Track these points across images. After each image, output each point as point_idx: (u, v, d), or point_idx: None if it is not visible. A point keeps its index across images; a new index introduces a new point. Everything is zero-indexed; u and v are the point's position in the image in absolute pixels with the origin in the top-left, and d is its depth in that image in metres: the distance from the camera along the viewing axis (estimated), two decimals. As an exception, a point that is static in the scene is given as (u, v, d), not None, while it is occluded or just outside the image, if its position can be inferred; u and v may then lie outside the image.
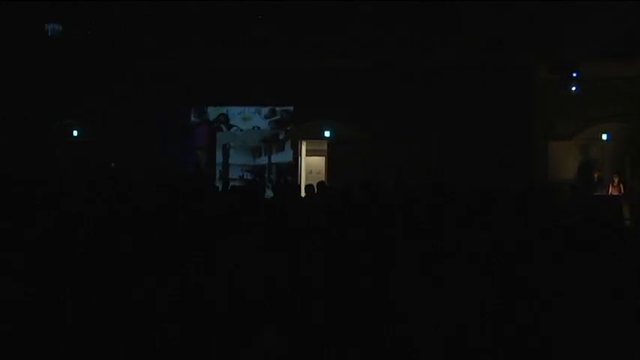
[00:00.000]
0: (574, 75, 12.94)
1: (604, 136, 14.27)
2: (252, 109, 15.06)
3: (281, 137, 15.15)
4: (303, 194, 10.66)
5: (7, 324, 3.61)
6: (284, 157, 15.19)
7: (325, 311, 3.92)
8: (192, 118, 15.26)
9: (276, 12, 11.36)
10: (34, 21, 11.57)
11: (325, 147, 15.31)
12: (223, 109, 15.17)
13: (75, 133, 15.02)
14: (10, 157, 13.37)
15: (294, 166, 15.17)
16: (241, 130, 15.16)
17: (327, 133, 14.77)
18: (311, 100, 14.10)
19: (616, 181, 13.19)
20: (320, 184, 10.82)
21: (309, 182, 11.23)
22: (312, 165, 15.80)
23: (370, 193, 9.27)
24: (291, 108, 14.79)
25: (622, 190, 13.13)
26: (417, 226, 5.73)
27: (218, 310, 3.87)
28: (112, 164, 14.00)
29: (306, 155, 15.59)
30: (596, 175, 13.60)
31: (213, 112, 15.24)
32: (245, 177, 15.08)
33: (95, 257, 4.50)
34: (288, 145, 15.22)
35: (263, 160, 15.26)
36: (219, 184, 12.78)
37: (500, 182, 11.72)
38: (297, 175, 15.10)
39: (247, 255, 4.46)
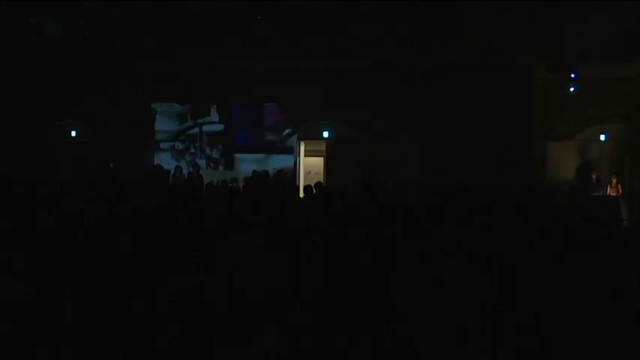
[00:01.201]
0: (572, 76, 12.93)
1: (602, 137, 14.28)
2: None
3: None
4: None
5: (7, 324, 3.61)
6: (214, 127, 15.17)
7: (325, 311, 3.92)
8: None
9: (276, 12, 11.36)
10: (33, 21, 11.56)
11: (324, 147, 15.30)
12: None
13: (74, 133, 15.01)
14: (10, 157, 13.36)
15: (223, 137, 15.05)
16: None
17: (325, 134, 14.77)
18: (310, 100, 14.09)
19: (614, 181, 13.20)
20: (318, 184, 10.84)
21: (308, 183, 11.24)
22: (310, 166, 15.80)
23: (370, 193, 9.28)
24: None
25: (620, 191, 13.14)
26: (417, 226, 5.73)
27: (218, 310, 3.87)
28: (111, 164, 13.98)
29: (305, 156, 15.57)
30: (594, 176, 13.61)
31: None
32: (177, 147, 15.02)
33: (95, 257, 4.50)
34: (214, 109, 15.13)
35: (188, 125, 15.14)
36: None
37: (500, 182, 11.72)
38: (226, 149, 15.07)
39: (247, 255, 4.47)
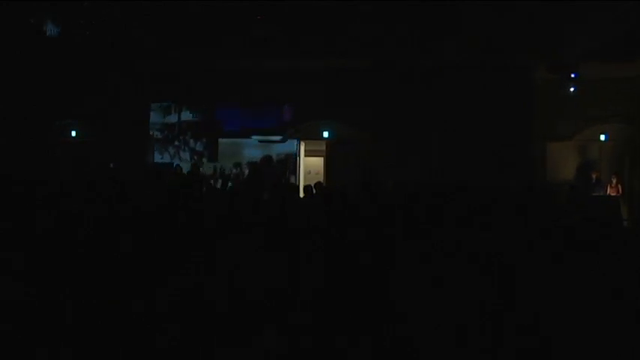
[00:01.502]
0: (572, 76, 12.92)
1: (602, 137, 14.28)
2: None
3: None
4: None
5: (7, 324, 3.61)
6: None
7: (325, 311, 3.92)
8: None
9: (276, 12, 11.36)
10: (34, 21, 11.57)
11: (324, 147, 15.31)
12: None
13: (74, 133, 15.01)
14: (10, 157, 13.35)
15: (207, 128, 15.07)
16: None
17: (325, 134, 14.76)
18: (310, 100, 14.09)
19: (614, 181, 13.20)
20: (318, 184, 10.85)
21: (308, 183, 11.24)
22: (310, 165, 15.80)
23: (370, 193, 9.29)
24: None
25: (620, 191, 13.14)
26: (417, 226, 5.73)
27: (218, 310, 3.87)
28: (111, 164, 13.98)
29: (305, 156, 15.57)
30: (594, 176, 13.61)
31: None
32: (156, 136, 15.09)
33: (95, 257, 4.50)
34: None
35: (173, 119, 15.18)
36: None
37: (500, 182, 11.72)
38: (210, 140, 15.11)
39: (247, 255, 4.46)
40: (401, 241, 5.09)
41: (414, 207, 6.89)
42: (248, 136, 14.92)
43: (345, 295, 4.06)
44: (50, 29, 11.68)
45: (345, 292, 4.09)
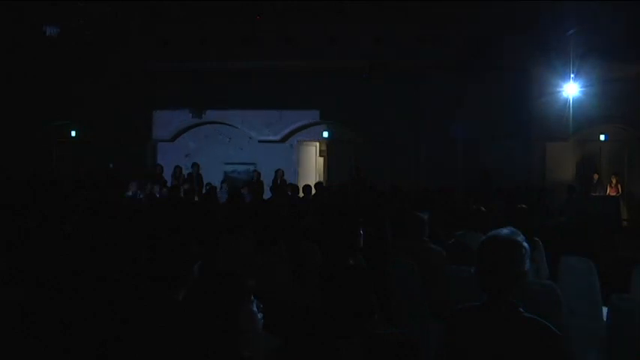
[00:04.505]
0: (572, 76, 12.91)
1: (602, 137, 14.28)
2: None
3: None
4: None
5: (7, 324, 3.61)
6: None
7: (323, 311, 3.92)
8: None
9: (275, 12, 11.38)
10: (33, 21, 11.58)
11: (324, 148, 15.32)
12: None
13: (74, 133, 15.03)
14: (10, 157, 13.36)
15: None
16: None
17: (325, 134, 14.78)
18: (310, 101, 14.09)
19: (614, 182, 13.20)
20: (318, 184, 10.87)
21: (307, 183, 11.26)
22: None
23: (368, 193, 9.30)
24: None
25: (620, 191, 13.15)
26: (415, 226, 5.72)
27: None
28: (110, 165, 13.98)
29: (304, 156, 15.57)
30: (595, 177, 13.60)
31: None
32: None
33: (94, 257, 4.50)
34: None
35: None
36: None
37: (499, 182, 11.72)
38: None
39: (247, 255, 4.47)
40: (398, 242, 5.10)
41: (410, 207, 6.89)
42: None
43: (343, 295, 4.06)
44: (50, 29, 11.70)
45: (343, 292, 4.09)
